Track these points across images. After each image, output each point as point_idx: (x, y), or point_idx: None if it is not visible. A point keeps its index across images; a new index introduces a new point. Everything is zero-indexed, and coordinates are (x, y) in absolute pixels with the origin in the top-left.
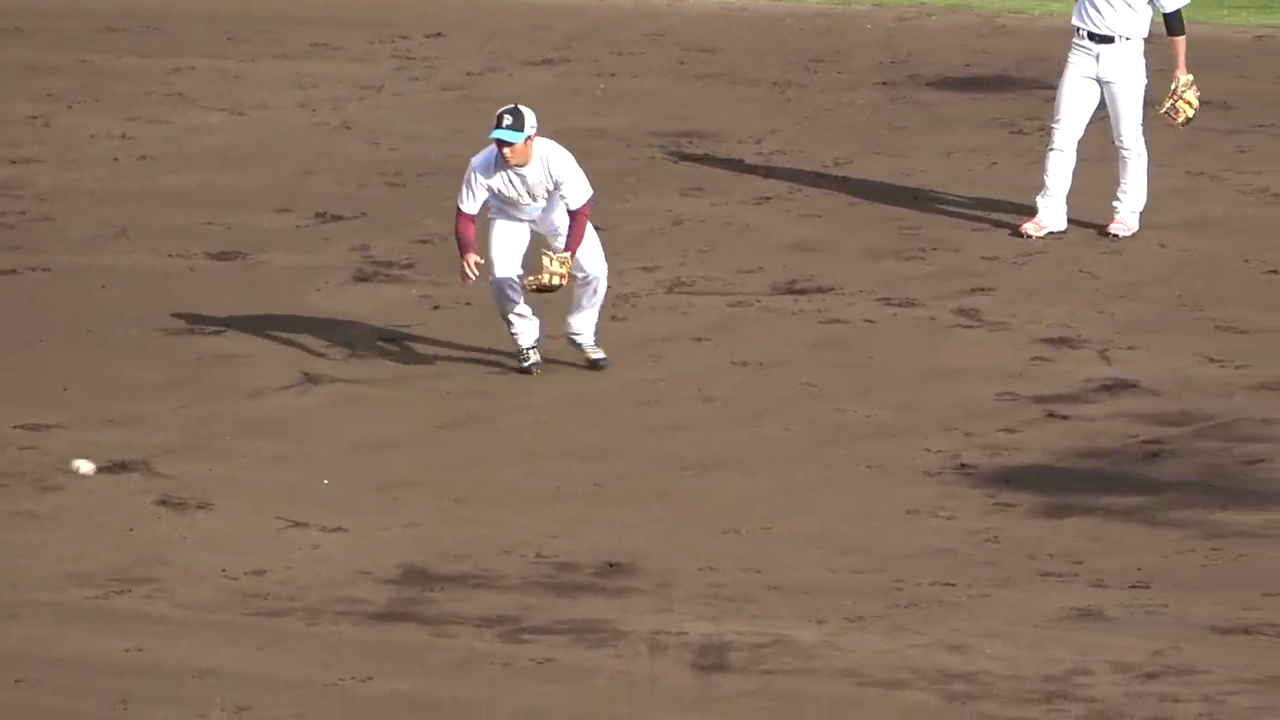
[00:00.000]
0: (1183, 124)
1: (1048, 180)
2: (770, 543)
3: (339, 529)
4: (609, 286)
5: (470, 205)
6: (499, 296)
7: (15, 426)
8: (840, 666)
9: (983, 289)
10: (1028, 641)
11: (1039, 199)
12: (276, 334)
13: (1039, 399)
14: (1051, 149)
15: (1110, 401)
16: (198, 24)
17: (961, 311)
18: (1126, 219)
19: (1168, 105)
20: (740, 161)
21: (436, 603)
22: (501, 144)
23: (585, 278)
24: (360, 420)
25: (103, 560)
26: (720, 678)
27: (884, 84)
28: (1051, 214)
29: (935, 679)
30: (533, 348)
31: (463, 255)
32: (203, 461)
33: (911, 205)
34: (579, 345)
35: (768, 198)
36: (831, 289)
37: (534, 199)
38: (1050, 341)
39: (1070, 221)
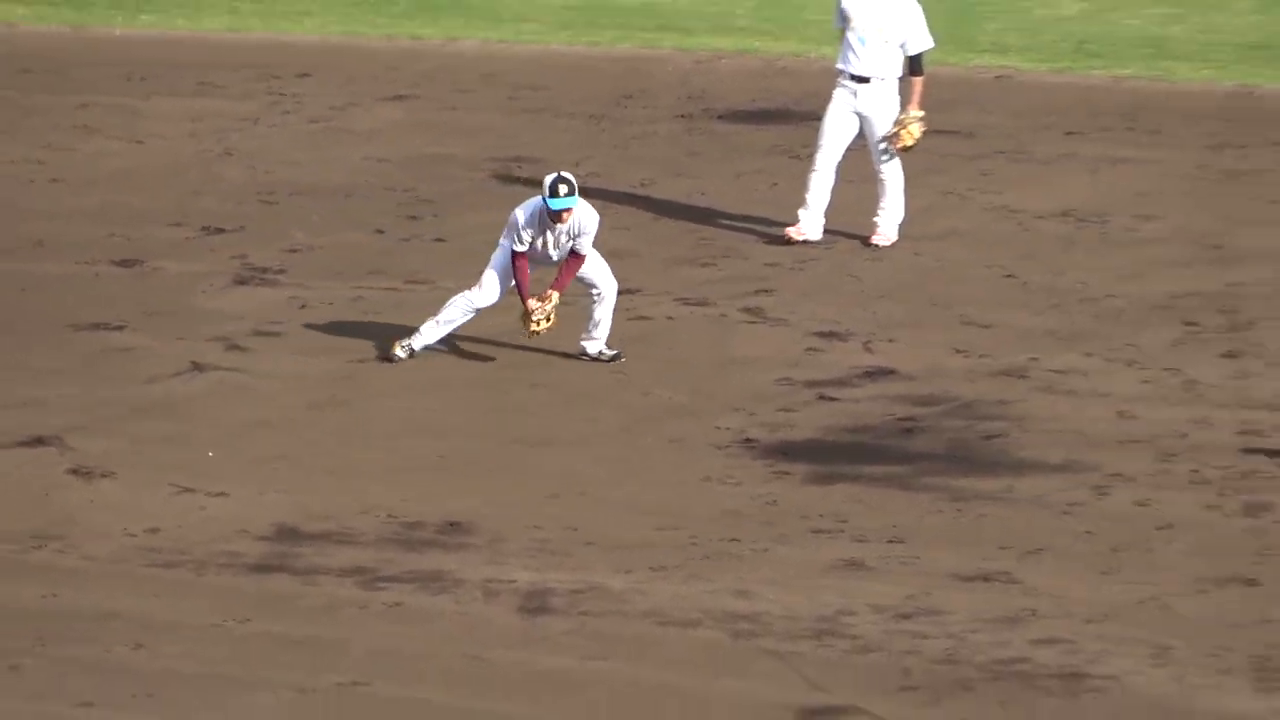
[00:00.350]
0: (901, 150)
1: (808, 196)
2: (587, 506)
3: (222, 494)
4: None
5: (521, 245)
6: (457, 311)
7: None
8: (644, 609)
9: (765, 291)
10: (801, 588)
11: (800, 211)
12: (169, 329)
13: (812, 384)
14: (813, 170)
15: (872, 386)
16: (101, 67)
17: (747, 310)
18: (887, 231)
19: (893, 131)
20: None
21: (304, 556)
22: (563, 212)
23: (598, 292)
24: (240, 403)
25: (22, 521)
26: (543, 619)
27: (683, 117)
28: (810, 224)
29: (723, 619)
30: (411, 352)
31: (524, 301)
32: (106, 438)
33: (706, 220)
34: (600, 357)
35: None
36: (638, 290)
37: (558, 248)
38: (822, 335)
39: (839, 234)
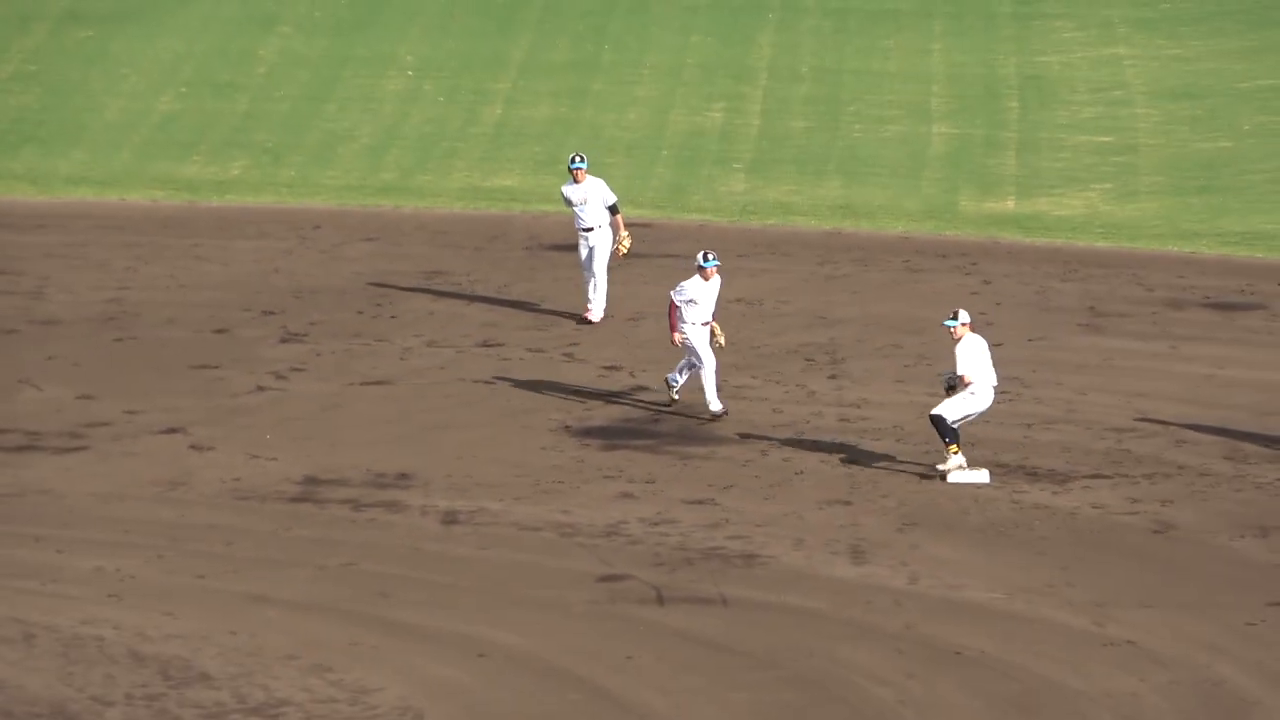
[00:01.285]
0: (621, 255)
1: (589, 295)
2: (478, 464)
3: (274, 459)
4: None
5: (680, 298)
6: (711, 378)
7: (124, 410)
8: (510, 521)
9: (574, 344)
10: (598, 508)
11: (587, 304)
12: (244, 367)
13: (602, 395)
14: (586, 283)
15: (636, 395)
16: (206, 222)
17: (565, 355)
18: (597, 312)
19: (615, 248)
20: (460, 284)
21: (320, 492)
22: (713, 269)
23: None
24: (284, 407)
25: (163, 473)
26: (454, 526)
27: (527, 248)
28: (595, 313)
29: (554, 526)
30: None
31: (673, 330)
32: (210, 428)
33: (539, 306)
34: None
35: (473, 301)
36: (504, 344)
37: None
38: (608, 368)
39: (610, 317)
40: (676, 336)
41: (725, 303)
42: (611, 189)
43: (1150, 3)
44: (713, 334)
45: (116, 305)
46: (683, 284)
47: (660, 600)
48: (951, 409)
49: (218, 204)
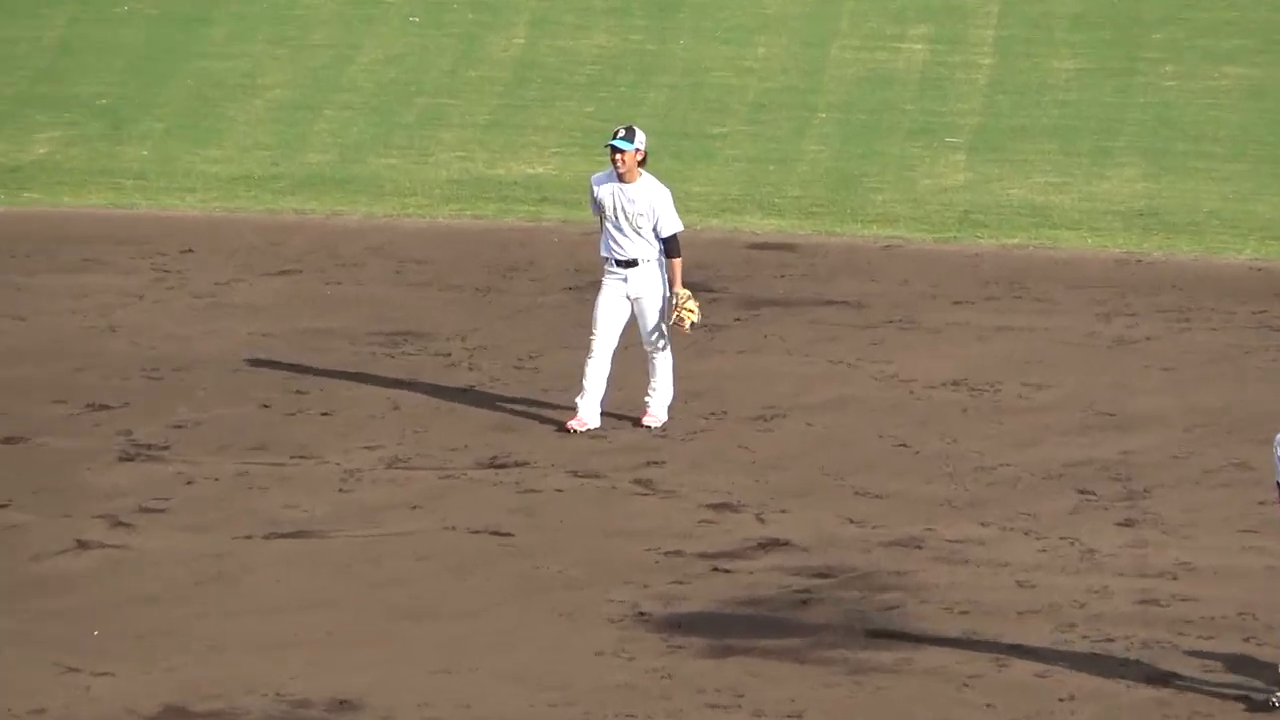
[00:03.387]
0: (689, 329)
1: (585, 383)
2: (478, 681)
3: (107, 673)
4: None
5: None
6: None
7: None
8: None
9: (656, 462)
10: None
11: (578, 399)
12: (53, 506)
13: (704, 555)
14: (590, 356)
15: (766, 557)
16: None
17: (638, 481)
18: (657, 412)
19: (674, 317)
20: (448, 355)
21: None
22: None
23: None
24: (124, 579)
25: None
26: None
27: (570, 289)
28: (588, 412)
29: None
30: None
31: None
32: None
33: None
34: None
35: (473, 387)
36: (526, 464)
37: None
38: (714, 506)
39: (723, 411)
40: None
41: (931, 387)
42: (677, 209)
43: None
44: None
45: None
46: None
47: None
48: None
49: (7, 208)
